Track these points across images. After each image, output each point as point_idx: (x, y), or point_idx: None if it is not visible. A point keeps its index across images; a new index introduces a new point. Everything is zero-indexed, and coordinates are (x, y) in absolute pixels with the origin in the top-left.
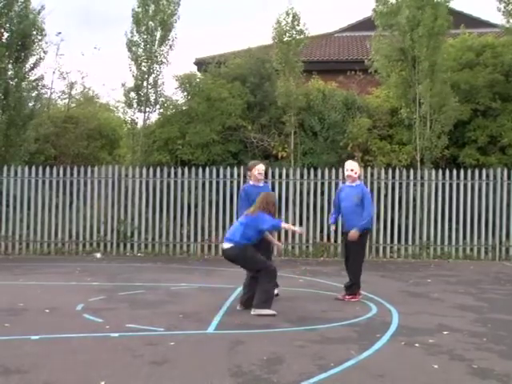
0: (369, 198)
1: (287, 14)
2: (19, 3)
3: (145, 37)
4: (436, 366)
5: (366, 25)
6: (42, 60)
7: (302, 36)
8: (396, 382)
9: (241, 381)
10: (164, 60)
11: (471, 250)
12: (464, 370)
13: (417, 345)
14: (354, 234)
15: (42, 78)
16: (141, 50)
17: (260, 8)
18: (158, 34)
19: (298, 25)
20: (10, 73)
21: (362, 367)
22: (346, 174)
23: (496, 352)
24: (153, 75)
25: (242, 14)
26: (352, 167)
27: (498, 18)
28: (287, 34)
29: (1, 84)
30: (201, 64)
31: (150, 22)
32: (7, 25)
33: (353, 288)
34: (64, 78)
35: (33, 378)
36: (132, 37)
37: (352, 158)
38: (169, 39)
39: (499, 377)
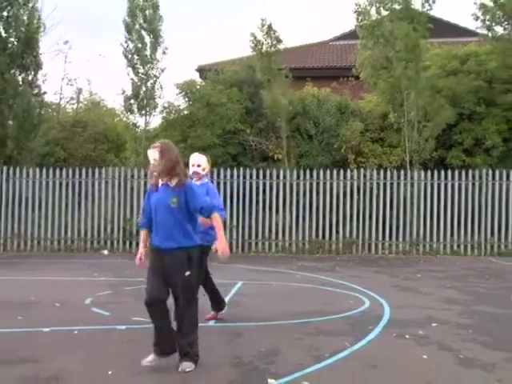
0: (214, 195)
1: (262, 26)
2: (27, 11)
3: (136, 44)
4: (425, 357)
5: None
6: (47, 70)
7: (279, 44)
8: (388, 372)
9: (240, 371)
10: (159, 65)
11: (458, 246)
12: (451, 360)
13: (407, 336)
14: None
15: (44, 80)
16: (136, 57)
17: (254, 4)
18: (148, 41)
19: (274, 33)
20: (19, 80)
21: (356, 358)
22: (192, 170)
23: (481, 343)
24: (150, 81)
25: (238, 8)
26: (199, 162)
27: (474, 25)
28: (264, 46)
29: (8, 91)
30: (202, 71)
31: (142, 31)
32: (13, 32)
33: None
34: (72, 85)
35: (45, 368)
36: (127, 46)
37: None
38: (159, 45)
39: (484, 366)
